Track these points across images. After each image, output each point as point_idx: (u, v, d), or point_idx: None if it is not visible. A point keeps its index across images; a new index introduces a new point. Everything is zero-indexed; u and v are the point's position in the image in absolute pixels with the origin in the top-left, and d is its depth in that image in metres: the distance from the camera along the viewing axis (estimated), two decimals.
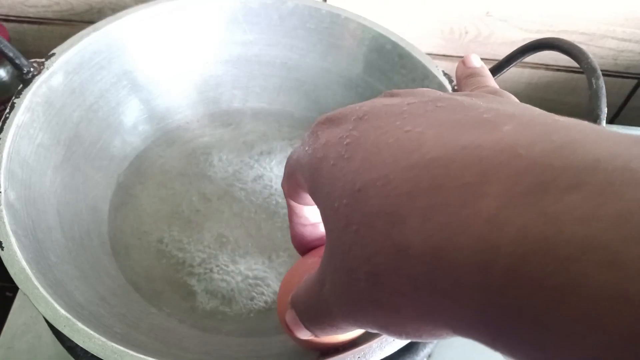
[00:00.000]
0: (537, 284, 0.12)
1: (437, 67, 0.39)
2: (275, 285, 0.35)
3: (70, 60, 0.36)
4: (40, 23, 0.53)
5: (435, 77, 0.39)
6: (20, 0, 0.51)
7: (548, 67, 0.57)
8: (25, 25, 0.53)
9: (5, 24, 0.52)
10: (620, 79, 0.58)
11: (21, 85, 0.34)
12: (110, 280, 0.33)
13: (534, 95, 0.59)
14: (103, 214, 0.37)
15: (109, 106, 0.39)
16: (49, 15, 0.52)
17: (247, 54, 0.44)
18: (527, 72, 0.57)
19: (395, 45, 0.40)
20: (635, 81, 0.58)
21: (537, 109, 0.17)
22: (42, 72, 0.35)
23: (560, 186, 0.12)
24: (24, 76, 0.34)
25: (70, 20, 0.52)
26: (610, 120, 0.61)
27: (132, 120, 0.41)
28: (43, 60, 0.35)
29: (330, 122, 0.19)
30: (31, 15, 0.52)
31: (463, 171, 0.14)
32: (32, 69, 0.35)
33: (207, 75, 0.44)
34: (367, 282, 0.15)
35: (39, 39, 0.54)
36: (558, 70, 0.57)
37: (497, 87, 0.23)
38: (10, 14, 0.52)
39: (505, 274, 0.12)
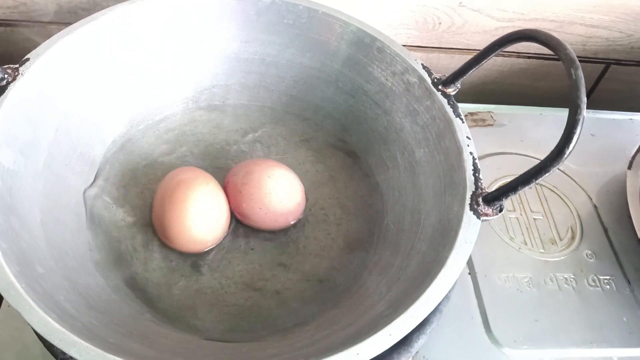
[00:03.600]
0: None
1: (416, 60, 0.40)
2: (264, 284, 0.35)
3: (46, 65, 0.35)
4: (7, 25, 0.51)
5: (415, 70, 0.39)
6: None
7: (520, 54, 0.58)
8: None
9: None
10: (589, 64, 0.59)
11: None
12: (99, 289, 0.32)
13: (506, 82, 0.60)
14: (85, 220, 0.36)
15: (87, 110, 0.38)
16: (16, 16, 0.50)
17: (225, 51, 0.43)
18: (500, 60, 0.58)
19: (373, 39, 0.41)
20: (603, 66, 0.60)
21: None
22: (17, 78, 0.34)
23: None
24: None
25: (38, 22, 0.51)
26: None
27: (111, 123, 0.40)
28: (17, 66, 0.34)
29: None
30: None
31: None
32: (6, 75, 0.34)
33: (185, 74, 0.43)
34: None
35: (7, 42, 0.52)
36: (529, 57, 0.58)
37: None
38: None
39: None
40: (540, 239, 0.45)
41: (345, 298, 0.35)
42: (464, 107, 0.55)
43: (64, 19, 0.50)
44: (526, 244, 0.44)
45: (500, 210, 0.32)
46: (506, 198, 0.32)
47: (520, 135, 0.53)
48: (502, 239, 0.45)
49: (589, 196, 0.49)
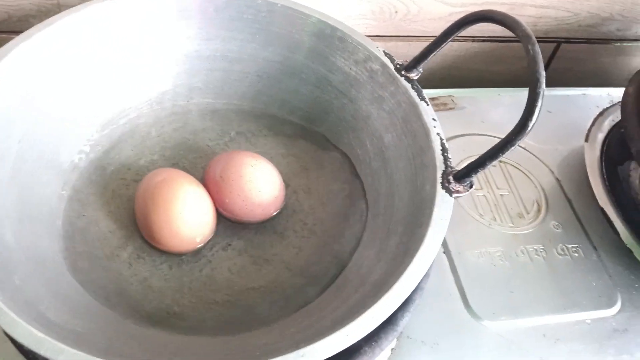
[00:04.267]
0: None
1: (377, 47, 0.40)
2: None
3: (3, 74, 0.34)
4: None
5: (377, 57, 0.40)
6: None
7: (474, 38, 0.59)
8: None
9: None
10: (541, 44, 0.61)
11: None
12: (79, 297, 0.32)
13: (463, 67, 0.62)
14: (58, 229, 0.35)
15: (51, 115, 0.37)
16: None
17: (187, 49, 0.43)
18: (456, 45, 0.60)
19: (334, 29, 0.41)
20: (554, 45, 0.62)
21: None
22: None
23: None
24: None
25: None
26: None
27: (76, 127, 0.39)
28: None
29: None
30: None
31: None
32: None
33: (146, 75, 0.42)
34: None
35: None
36: (483, 41, 0.60)
37: None
38: None
39: None
40: (509, 214, 0.46)
41: (329, 285, 0.35)
42: (426, 93, 0.55)
43: (14, 28, 0.49)
44: (495, 219, 0.46)
45: (471, 186, 0.33)
46: (475, 174, 0.33)
47: (480, 116, 0.54)
48: (472, 217, 0.46)
49: (551, 170, 0.51)
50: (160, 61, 0.42)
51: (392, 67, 0.39)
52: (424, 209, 0.33)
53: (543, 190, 0.49)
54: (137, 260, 0.36)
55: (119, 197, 0.38)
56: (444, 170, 0.34)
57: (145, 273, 0.35)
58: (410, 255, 0.30)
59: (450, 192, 0.33)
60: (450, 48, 0.59)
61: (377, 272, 0.32)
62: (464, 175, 0.33)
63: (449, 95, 0.56)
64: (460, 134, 0.52)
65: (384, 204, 0.37)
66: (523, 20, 0.57)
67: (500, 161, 0.50)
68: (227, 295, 0.35)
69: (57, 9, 0.49)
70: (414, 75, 0.39)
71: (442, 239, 0.31)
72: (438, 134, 0.36)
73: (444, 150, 0.35)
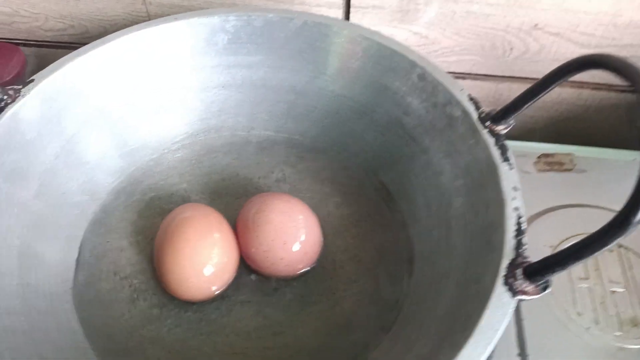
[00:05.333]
0: None
1: (462, 90, 0.33)
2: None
3: (49, 88, 0.33)
4: (58, 47, 0.51)
5: (458, 102, 0.33)
6: (37, 24, 0.50)
7: (611, 87, 0.48)
8: (44, 50, 0.52)
9: (25, 48, 0.51)
10: None
11: None
12: (65, 335, 0.29)
13: (592, 119, 0.51)
14: (75, 256, 0.33)
15: (92, 136, 0.36)
16: (65, 38, 0.51)
17: (252, 77, 0.39)
18: (586, 93, 0.49)
19: (413, 65, 0.35)
20: None
21: None
22: (17, 100, 0.32)
23: None
24: None
25: (85, 44, 0.50)
26: None
27: (118, 151, 0.37)
28: (20, 87, 0.33)
29: None
30: (48, 39, 0.51)
31: None
32: (5, 97, 0.32)
33: (208, 101, 0.40)
34: None
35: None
36: (624, 91, 0.48)
37: None
38: (30, 38, 0.51)
39: None
40: (619, 317, 0.35)
41: None
42: (538, 147, 0.46)
43: None
44: (598, 323, 0.35)
45: (545, 289, 0.25)
46: (552, 274, 0.24)
47: (605, 184, 0.43)
48: (567, 315, 0.36)
49: None
50: (224, 86, 0.39)
51: (475, 115, 0.32)
52: (474, 308, 0.25)
53: None
54: (147, 304, 0.32)
55: (151, 226, 0.36)
56: (512, 259, 0.26)
57: (151, 321, 0.31)
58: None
59: (513, 291, 0.24)
60: (578, 96, 0.49)
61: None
62: (538, 271, 0.24)
63: (568, 153, 0.46)
64: (572, 203, 0.42)
65: (435, 288, 0.30)
66: None
67: (620, 245, 0.39)
68: None
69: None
70: (502, 128, 0.31)
71: (486, 356, 0.23)
72: (516, 208, 0.27)
73: (519, 232, 0.27)
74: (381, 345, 0.29)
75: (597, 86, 0.48)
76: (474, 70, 0.48)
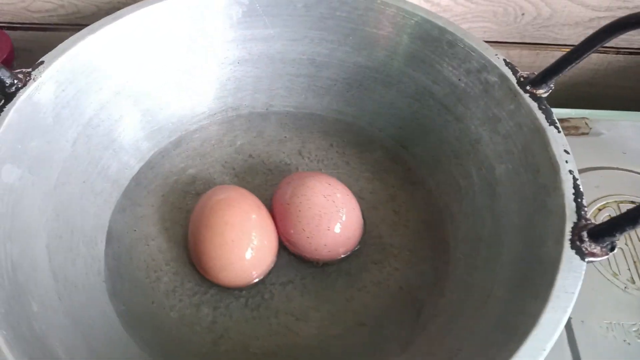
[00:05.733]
0: None
1: (496, 55, 0.32)
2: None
3: (62, 69, 0.31)
4: (46, 29, 0.48)
5: (495, 67, 0.32)
6: (23, 5, 0.47)
7: (619, 50, 0.49)
8: (31, 33, 0.49)
9: (10, 32, 0.48)
10: None
11: (3, 101, 0.29)
12: (107, 329, 0.27)
13: (603, 84, 0.51)
14: (103, 246, 0.31)
15: (110, 120, 0.34)
16: (54, 20, 0.48)
17: (269, 51, 0.38)
18: (594, 57, 0.49)
19: (443, 31, 0.34)
20: None
21: None
22: (29, 84, 0.30)
23: None
24: (6, 89, 0.29)
25: (77, 25, 0.47)
26: None
27: (138, 134, 0.35)
28: (29, 70, 0.30)
29: None
30: (36, 21, 0.48)
31: None
32: (15, 81, 0.29)
33: (223, 79, 0.38)
34: None
35: (47, 47, 0.49)
36: (632, 53, 0.49)
37: None
38: (15, 21, 0.48)
39: None
40: None
41: (399, 354, 0.28)
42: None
43: None
44: (635, 282, 0.36)
45: (612, 249, 0.24)
46: (621, 233, 0.24)
47: (621, 145, 0.44)
48: (603, 275, 0.36)
49: None
50: (238, 62, 0.38)
51: (513, 80, 0.31)
52: (542, 274, 0.24)
53: None
54: (180, 290, 0.31)
55: (178, 211, 0.34)
56: (575, 223, 0.25)
57: (187, 307, 0.30)
58: (517, 340, 0.22)
59: (582, 254, 0.24)
60: (587, 60, 0.49)
61: (467, 350, 0.24)
62: (604, 232, 0.24)
63: (582, 118, 0.46)
64: (592, 166, 0.42)
65: (485, 255, 0.29)
66: None
67: None
68: (277, 347, 0.29)
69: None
70: (543, 91, 0.31)
71: (565, 320, 0.22)
72: (570, 171, 0.27)
73: (578, 194, 0.26)
74: (442, 314, 0.29)
75: (605, 50, 0.48)
76: (485, 37, 0.47)
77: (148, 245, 0.32)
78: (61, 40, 0.49)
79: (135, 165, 0.35)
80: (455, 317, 0.27)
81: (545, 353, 0.21)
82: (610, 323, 0.34)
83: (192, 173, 0.36)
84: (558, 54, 0.30)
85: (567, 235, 0.25)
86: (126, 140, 0.35)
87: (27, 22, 0.48)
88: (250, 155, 0.37)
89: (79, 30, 0.45)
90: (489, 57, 0.32)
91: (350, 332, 0.29)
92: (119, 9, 0.46)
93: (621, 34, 0.28)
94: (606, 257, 0.24)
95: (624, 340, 0.33)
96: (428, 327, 0.28)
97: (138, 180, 0.35)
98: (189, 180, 0.35)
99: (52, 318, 0.25)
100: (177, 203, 0.34)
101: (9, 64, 0.43)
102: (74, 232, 0.30)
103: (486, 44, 0.33)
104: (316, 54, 0.38)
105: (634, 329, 0.34)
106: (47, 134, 0.30)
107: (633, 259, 0.37)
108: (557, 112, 0.45)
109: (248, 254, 0.30)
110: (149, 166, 0.35)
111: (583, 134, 0.45)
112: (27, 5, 0.47)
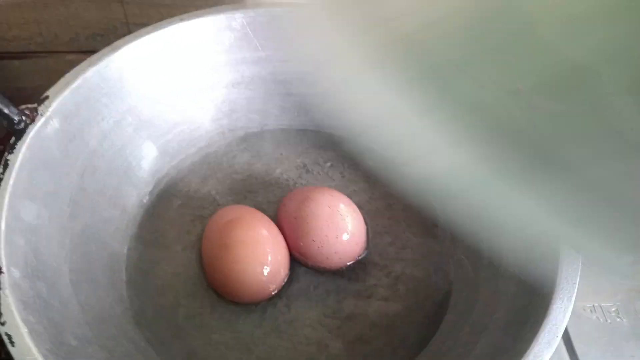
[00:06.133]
0: None
1: None
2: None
3: (67, 102, 0.31)
4: (23, 57, 0.48)
5: None
6: None
7: None
8: (5, 62, 0.48)
9: None
10: None
11: (13, 138, 0.29)
12: (139, 357, 0.28)
13: None
14: (122, 274, 0.32)
15: (114, 149, 0.34)
16: (32, 47, 0.47)
17: (261, 72, 0.39)
18: None
19: None
20: None
21: None
22: (37, 119, 0.30)
23: None
24: (15, 127, 0.29)
25: (55, 52, 0.47)
26: None
27: (141, 161, 0.36)
28: (35, 105, 0.31)
29: None
30: (12, 50, 0.47)
31: None
32: (23, 118, 0.30)
33: (218, 101, 0.39)
34: None
35: (23, 75, 0.49)
36: None
37: None
38: None
39: None
40: None
41: (417, 352, 0.30)
42: None
43: (81, 47, 0.47)
44: None
45: None
46: None
47: None
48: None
49: None
50: (232, 85, 0.39)
51: None
52: (544, 269, 0.27)
53: None
54: (200, 310, 0.32)
55: (187, 234, 0.35)
56: None
57: (209, 328, 0.31)
58: (532, 329, 0.24)
59: None
60: None
61: (480, 345, 0.27)
62: None
63: None
64: None
65: (488, 255, 0.32)
66: None
67: None
68: (303, 357, 0.30)
69: (126, 27, 0.46)
70: None
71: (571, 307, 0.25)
72: None
73: None
74: (447, 314, 0.31)
75: None
76: None
77: (163, 270, 0.33)
78: (38, 67, 0.49)
79: (140, 192, 0.36)
80: (467, 314, 0.30)
81: (558, 339, 0.24)
82: (593, 306, 0.37)
83: (196, 196, 0.37)
84: None
85: None
86: (129, 167, 0.35)
87: (2, 50, 0.47)
88: (249, 174, 0.38)
89: (57, 56, 0.45)
90: None
91: (367, 337, 0.31)
92: (98, 34, 0.46)
93: None
94: None
95: (606, 320, 0.37)
96: (441, 327, 0.31)
97: (143, 206, 0.35)
98: (193, 203, 0.36)
99: (90, 351, 0.26)
100: (185, 226, 0.35)
101: None
102: (92, 263, 0.30)
103: None
104: (305, 72, 0.39)
105: (613, 310, 0.37)
106: (57, 168, 0.31)
107: None
108: None
109: (265, 270, 0.31)
110: (154, 192, 0.36)
111: None
112: (3, 34, 0.46)
